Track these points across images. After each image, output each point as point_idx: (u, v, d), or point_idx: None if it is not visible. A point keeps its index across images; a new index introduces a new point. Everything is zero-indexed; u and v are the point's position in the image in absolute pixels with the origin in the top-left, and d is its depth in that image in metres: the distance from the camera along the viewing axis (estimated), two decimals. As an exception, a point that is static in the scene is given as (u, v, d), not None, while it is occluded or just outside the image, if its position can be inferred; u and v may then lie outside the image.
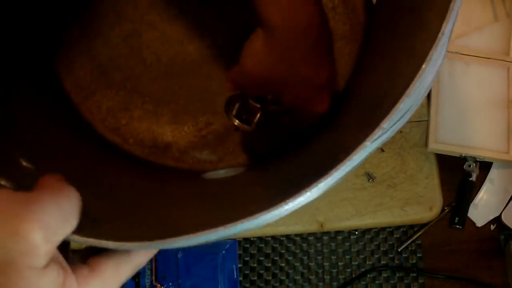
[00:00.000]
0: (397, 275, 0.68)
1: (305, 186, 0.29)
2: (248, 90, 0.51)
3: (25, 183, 0.31)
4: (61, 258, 0.29)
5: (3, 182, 0.34)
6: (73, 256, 0.32)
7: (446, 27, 0.30)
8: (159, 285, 0.66)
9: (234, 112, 0.54)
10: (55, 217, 0.28)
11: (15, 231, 0.26)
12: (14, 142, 0.42)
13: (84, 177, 0.45)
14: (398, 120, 0.30)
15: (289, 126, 0.56)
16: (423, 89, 0.31)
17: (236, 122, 0.54)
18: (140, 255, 0.34)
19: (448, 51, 0.66)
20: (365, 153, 0.30)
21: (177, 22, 0.61)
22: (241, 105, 0.54)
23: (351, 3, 0.63)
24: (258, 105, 0.53)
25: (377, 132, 0.29)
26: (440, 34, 0.30)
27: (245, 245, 0.68)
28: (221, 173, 0.57)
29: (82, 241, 0.31)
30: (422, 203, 0.67)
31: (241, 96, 0.54)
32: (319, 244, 0.69)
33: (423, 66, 0.30)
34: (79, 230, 0.30)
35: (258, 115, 0.53)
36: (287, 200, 0.29)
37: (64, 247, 0.30)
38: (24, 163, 0.40)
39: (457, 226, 0.67)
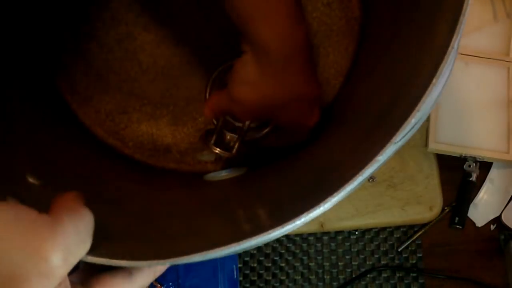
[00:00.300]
0: (397, 275, 0.68)
1: (299, 212, 0.29)
2: (241, 117, 0.51)
3: (32, 200, 0.31)
4: (67, 281, 0.29)
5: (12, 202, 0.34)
6: (73, 276, 0.32)
7: (456, 41, 0.29)
8: (159, 285, 0.66)
9: (212, 142, 0.54)
10: (73, 240, 0.28)
11: (37, 252, 0.26)
12: (18, 156, 0.42)
13: (88, 188, 0.45)
14: (407, 133, 0.30)
15: (271, 147, 0.57)
16: (432, 101, 0.31)
17: (217, 150, 0.54)
18: (143, 277, 0.34)
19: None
20: (375, 167, 0.30)
21: (171, 23, 0.61)
22: (218, 136, 0.54)
23: (345, -2, 0.63)
24: (235, 135, 0.54)
25: (388, 146, 0.29)
26: (450, 48, 0.29)
27: (245, 245, 0.68)
28: (223, 174, 0.57)
29: (95, 262, 0.31)
30: (422, 203, 0.67)
31: (216, 129, 0.54)
32: (319, 244, 0.69)
33: (434, 80, 0.30)
34: (92, 249, 0.30)
35: (237, 144, 0.54)
36: (282, 224, 0.29)
37: None
38: (31, 180, 0.40)
39: (457, 226, 0.67)
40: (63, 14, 0.61)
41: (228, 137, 0.54)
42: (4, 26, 0.54)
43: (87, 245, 0.30)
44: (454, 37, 0.29)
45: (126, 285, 0.33)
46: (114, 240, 0.33)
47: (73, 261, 0.28)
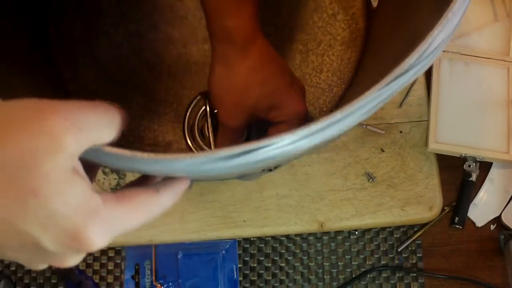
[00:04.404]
0: (397, 275, 0.68)
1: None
2: (245, 122, 0.51)
3: None
4: (87, 177, 0.27)
5: None
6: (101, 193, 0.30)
7: None
8: (159, 285, 0.66)
9: None
10: (86, 118, 0.26)
11: (40, 128, 0.24)
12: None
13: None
14: (431, 53, 0.31)
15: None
16: (453, 25, 0.32)
17: None
18: (168, 195, 0.32)
19: (448, 51, 0.66)
20: (398, 83, 0.31)
21: (180, 24, 0.62)
22: None
23: (350, 10, 0.64)
24: None
25: (414, 56, 0.30)
26: None
27: (245, 245, 0.68)
28: None
29: (116, 153, 0.29)
30: (422, 203, 0.67)
31: None
32: (319, 244, 0.69)
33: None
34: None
35: None
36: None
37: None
38: None
39: (457, 226, 0.67)
40: (73, 8, 0.62)
41: None
42: (11, 13, 0.55)
43: (107, 133, 0.28)
44: None
45: (153, 200, 0.31)
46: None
47: (85, 140, 0.26)
